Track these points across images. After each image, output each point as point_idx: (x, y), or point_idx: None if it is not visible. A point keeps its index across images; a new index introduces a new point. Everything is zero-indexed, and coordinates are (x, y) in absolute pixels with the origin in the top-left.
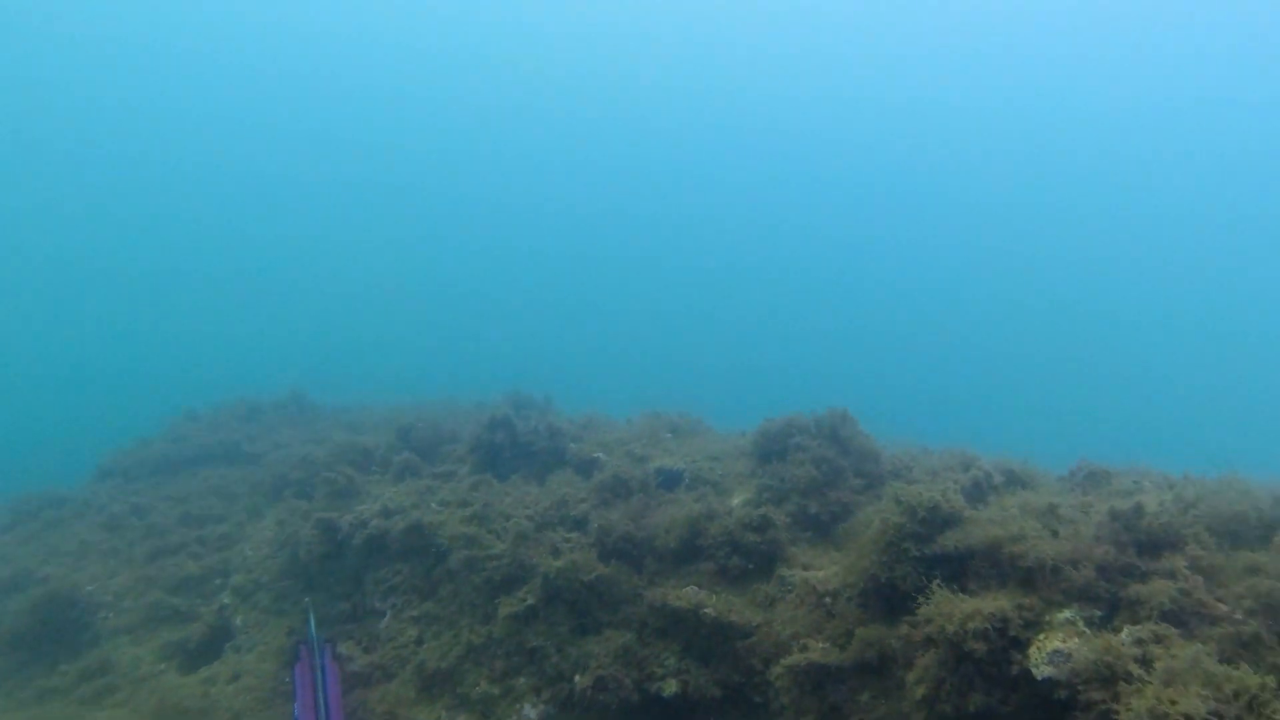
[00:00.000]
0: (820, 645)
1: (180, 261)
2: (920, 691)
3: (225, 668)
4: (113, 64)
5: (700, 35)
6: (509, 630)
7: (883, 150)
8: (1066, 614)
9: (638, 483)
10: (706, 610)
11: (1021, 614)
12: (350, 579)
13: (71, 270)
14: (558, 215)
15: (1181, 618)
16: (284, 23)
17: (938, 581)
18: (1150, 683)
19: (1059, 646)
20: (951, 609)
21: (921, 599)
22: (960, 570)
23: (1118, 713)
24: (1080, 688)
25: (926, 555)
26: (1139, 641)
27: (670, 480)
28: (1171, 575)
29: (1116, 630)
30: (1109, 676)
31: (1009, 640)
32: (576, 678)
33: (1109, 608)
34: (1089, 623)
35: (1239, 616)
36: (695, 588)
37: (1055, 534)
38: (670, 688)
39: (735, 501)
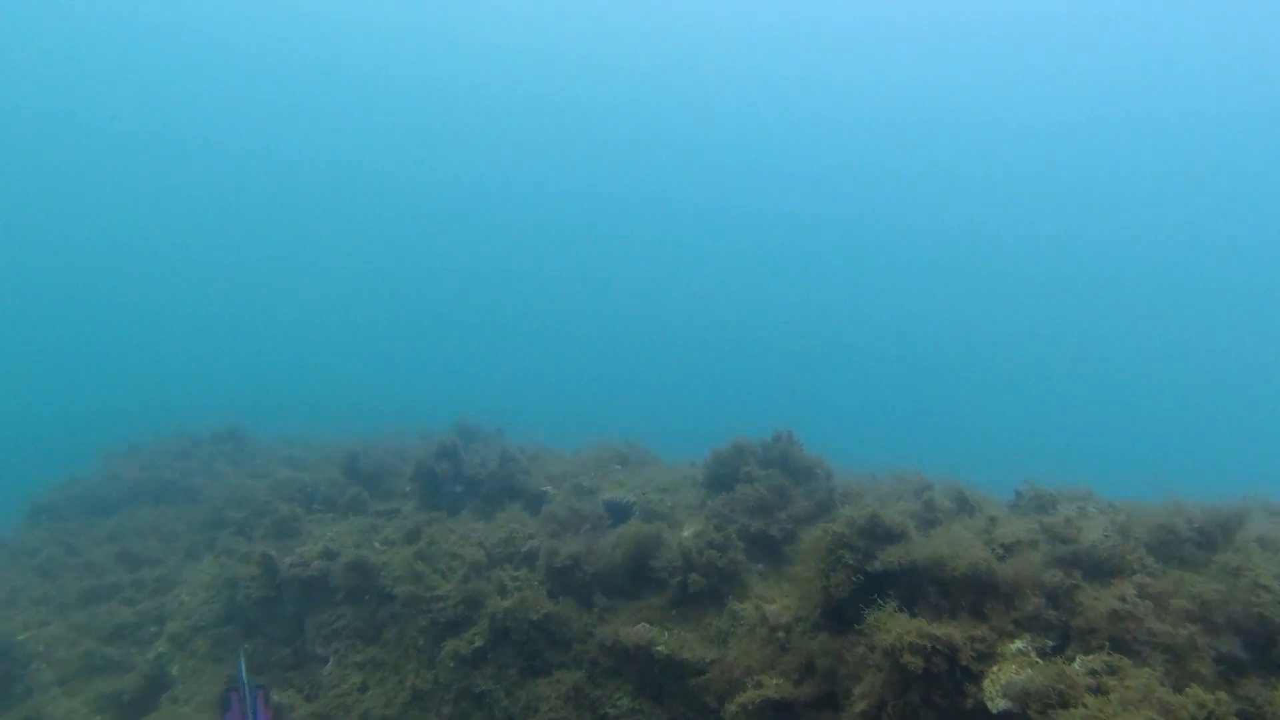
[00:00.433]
0: (775, 680)
1: (110, 288)
2: (860, 706)
3: None
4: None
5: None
6: (456, 675)
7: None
8: (1019, 644)
9: (586, 517)
10: (658, 648)
11: (974, 645)
12: (291, 623)
13: None
14: (505, 235)
15: (1133, 646)
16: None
17: (883, 599)
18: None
19: (1012, 678)
20: (892, 624)
21: (867, 613)
22: (910, 596)
23: None
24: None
25: (870, 572)
26: (1092, 672)
27: (620, 513)
28: (1122, 600)
29: (1069, 660)
30: (1064, 706)
31: (961, 670)
32: None
33: (1060, 637)
34: (1041, 653)
35: (1180, 633)
36: (646, 625)
37: (1002, 559)
38: None
39: (686, 533)
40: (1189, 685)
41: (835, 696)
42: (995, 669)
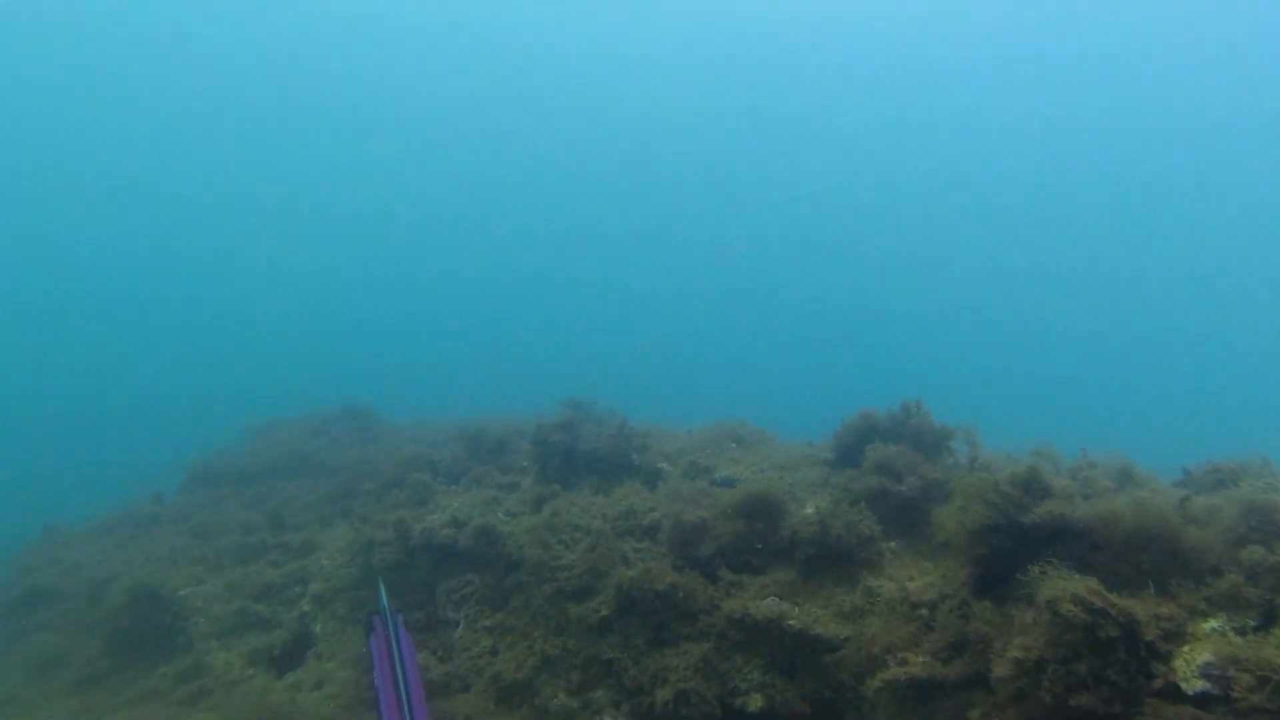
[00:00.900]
0: (921, 658)
1: (250, 289)
2: (1014, 654)
3: (309, 674)
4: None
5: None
6: (583, 642)
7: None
8: (1213, 623)
9: (706, 492)
10: (790, 622)
11: (1159, 623)
12: (423, 588)
13: (154, 297)
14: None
15: None
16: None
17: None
18: None
19: (1210, 659)
20: (1056, 580)
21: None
22: (1077, 570)
23: None
24: (1239, 702)
25: (1027, 527)
26: None
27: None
28: None
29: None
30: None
31: (1146, 647)
32: (657, 691)
33: (1263, 616)
34: (1240, 632)
35: None
36: (775, 599)
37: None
38: (755, 703)
39: (809, 510)
40: None
41: (986, 677)
42: (1187, 649)
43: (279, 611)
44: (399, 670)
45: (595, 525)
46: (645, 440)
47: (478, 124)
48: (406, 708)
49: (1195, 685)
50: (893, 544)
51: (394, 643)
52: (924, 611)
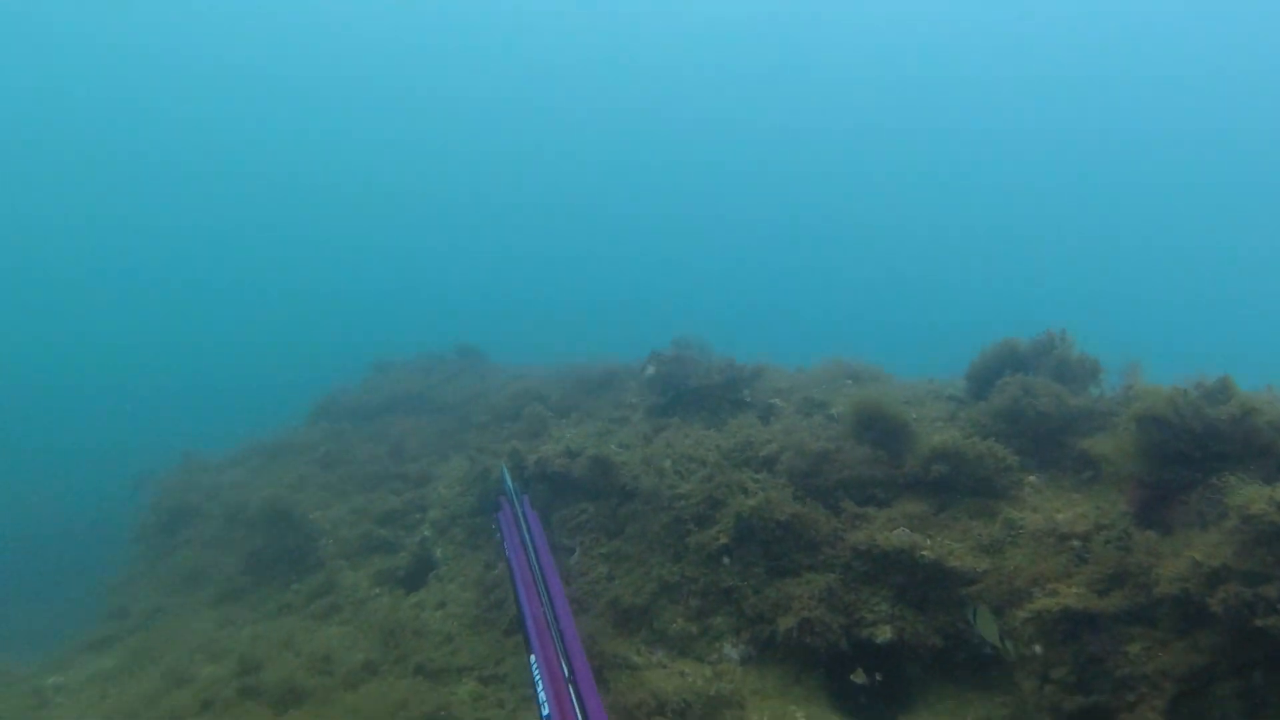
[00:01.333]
0: (1074, 589)
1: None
2: (1197, 553)
3: (431, 595)
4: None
5: None
6: (702, 569)
7: None
8: None
9: (825, 425)
10: (923, 553)
11: None
12: (539, 516)
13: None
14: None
15: None
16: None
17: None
18: None
19: None
20: (1245, 490)
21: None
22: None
23: None
24: None
25: (1215, 444)
26: None
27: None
28: None
29: None
30: None
31: None
32: (779, 619)
33: None
34: None
35: None
36: (906, 529)
37: None
38: (883, 634)
39: (939, 439)
40: None
41: (1148, 610)
42: None
43: (401, 536)
44: (529, 540)
45: (711, 456)
46: (756, 377)
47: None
48: (539, 577)
49: None
50: (1032, 477)
51: (521, 518)
52: (1075, 543)
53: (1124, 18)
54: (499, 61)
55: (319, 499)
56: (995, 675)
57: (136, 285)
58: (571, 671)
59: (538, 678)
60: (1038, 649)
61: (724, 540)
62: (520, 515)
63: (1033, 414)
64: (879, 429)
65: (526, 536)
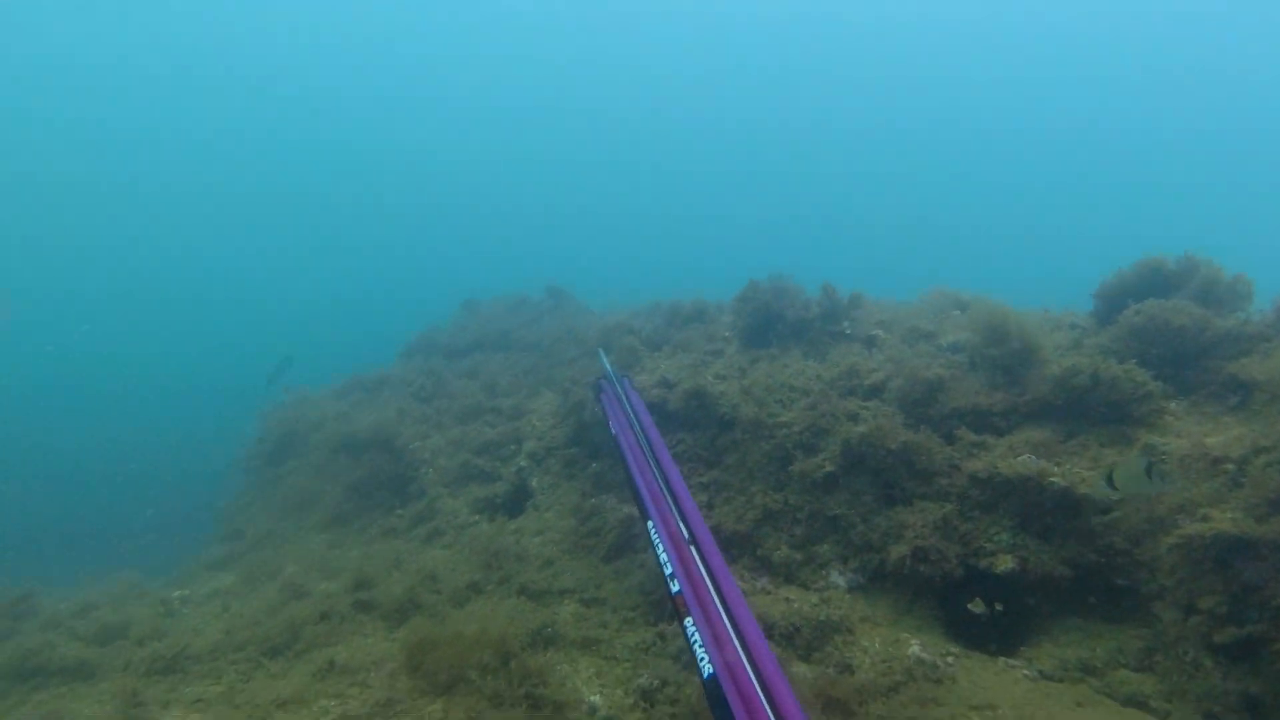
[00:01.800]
0: (1229, 515)
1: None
2: None
3: (529, 523)
4: None
5: None
6: (806, 498)
7: None
8: None
9: (934, 354)
10: (1052, 479)
11: None
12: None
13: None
14: None
15: None
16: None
17: None
18: None
19: None
20: None
21: None
22: None
23: None
24: None
25: None
26: None
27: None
28: None
29: None
30: None
31: None
32: (890, 548)
33: None
34: None
35: None
36: (1031, 456)
37: None
38: (1004, 564)
39: (1071, 362)
40: None
41: None
42: None
43: (498, 466)
44: (633, 416)
45: (814, 385)
46: (855, 307)
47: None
48: (647, 448)
49: None
50: (1171, 403)
51: (624, 397)
52: (1229, 467)
53: None
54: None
55: (418, 431)
56: (1128, 606)
57: (255, 248)
58: (691, 533)
59: (657, 540)
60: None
61: (830, 468)
62: (623, 394)
63: (1169, 336)
64: (1007, 348)
65: (631, 413)
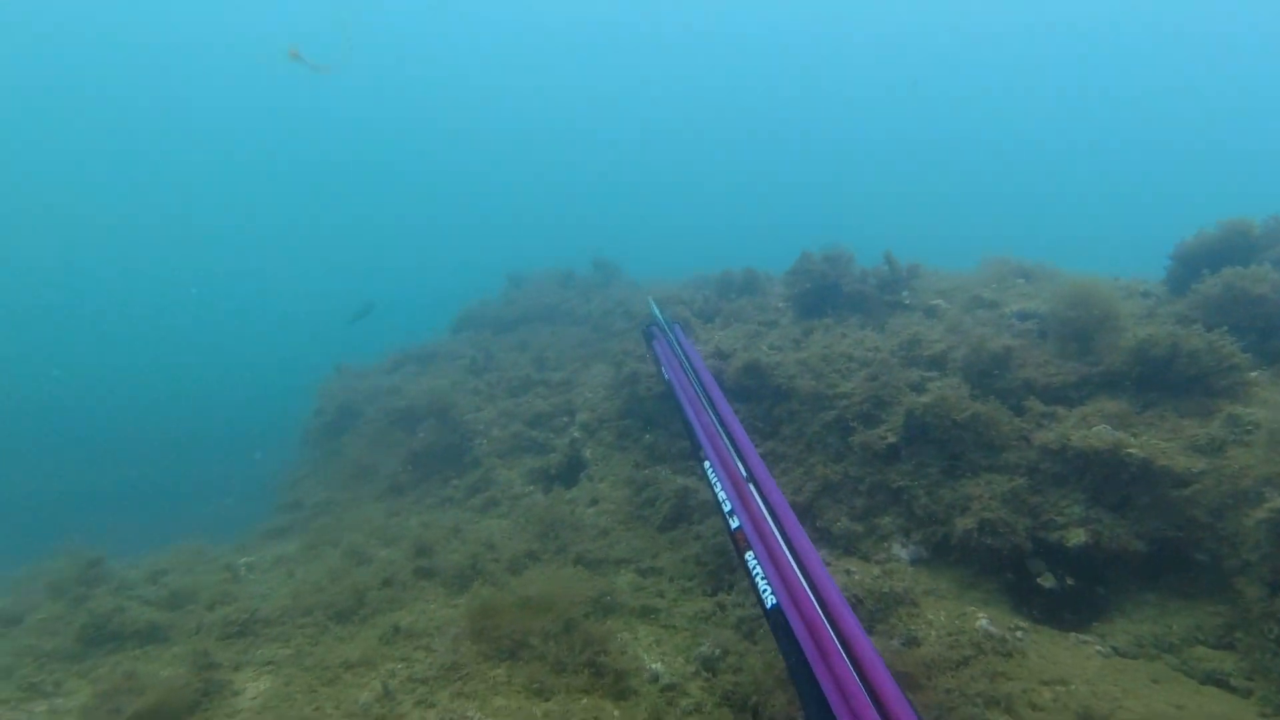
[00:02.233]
0: None
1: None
2: None
3: (583, 493)
4: None
5: None
6: (868, 469)
7: None
8: None
9: (997, 322)
10: (1130, 450)
11: None
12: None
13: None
14: None
15: None
16: None
17: None
18: None
19: None
20: None
21: None
22: None
23: None
24: None
25: None
26: None
27: (1034, 324)
28: None
29: None
30: None
31: None
32: (956, 520)
33: None
34: None
35: None
36: (1107, 427)
37: None
38: (1075, 537)
39: (1147, 332)
40: None
41: None
42: None
43: (550, 437)
44: (686, 361)
45: (875, 355)
46: (914, 276)
47: None
48: (701, 392)
49: None
50: (1254, 374)
51: (676, 344)
52: None
53: None
54: None
55: (471, 402)
56: (1207, 582)
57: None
58: (749, 470)
59: (714, 479)
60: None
61: (892, 439)
62: (675, 341)
63: (1248, 305)
64: (1087, 315)
65: (684, 357)
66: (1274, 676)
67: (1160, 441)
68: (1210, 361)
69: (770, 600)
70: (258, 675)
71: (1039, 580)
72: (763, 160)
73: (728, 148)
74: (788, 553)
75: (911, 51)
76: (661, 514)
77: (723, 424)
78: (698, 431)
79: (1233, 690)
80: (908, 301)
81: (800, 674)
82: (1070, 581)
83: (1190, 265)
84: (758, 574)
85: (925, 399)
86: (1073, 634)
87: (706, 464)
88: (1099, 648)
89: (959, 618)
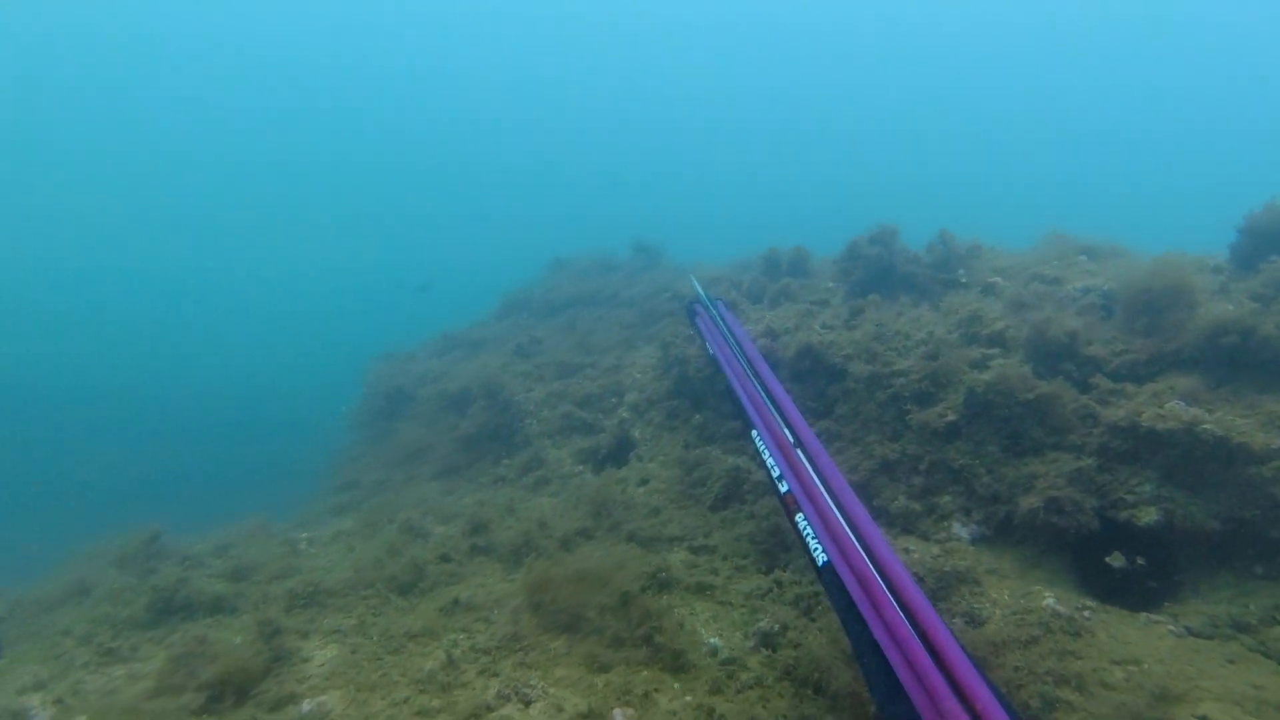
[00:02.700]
0: None
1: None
2: None
3: (633, 473)
4: None
5: None
6: (926, 447)
7: None
8: None
9: (1063, 299)
10: (1206, 426)
11: None
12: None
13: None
14: None
15: None
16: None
17: None
18: None
19: None
20: None
21: None
22: None
23: None
24: None
25: None
26: None
27: (1102, 302)
28: None
29: None
30: None
31: None
32: (1020, 499)
33: None
34: None
35: None
36: (1180, 402)
37: None
38: (1146, 516)
39: (1227, 307)
40: None
41: None
42: None
43: (599, 418)
44: (730, 336)
45: (932, 333)
46: (972, 256)
47: None
48: (746, 364)
49: None
50: None
51: (719, 319)
52: None
53: None
54: None
55: (520, 384)
56: None
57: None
58: (797, 436)
59: (763, 446)
60: None
61: (952, 418)
62: (718, 317)
63: None
64: (1161, 291)
65: (727, 331)
66: None
67: (1236, 418)
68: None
69: (821, 558)
70: (324, 643)
71: (1108, 560)
72: (806, 149)
73: (772, 138)
74: (837, 512)
75: (969, 39)
76: (713, 493)
77: (768, 393)
78: (744, 401)
79: None
80: (964, 280)
81: (853, 626)
82: (1140, 561)
83: (1259, 238)
84: (808, 534)
85: (987, 376)
86: (1143, 614)
87: (754, 432)
88: (1171, 628)
89: (1024, 596)
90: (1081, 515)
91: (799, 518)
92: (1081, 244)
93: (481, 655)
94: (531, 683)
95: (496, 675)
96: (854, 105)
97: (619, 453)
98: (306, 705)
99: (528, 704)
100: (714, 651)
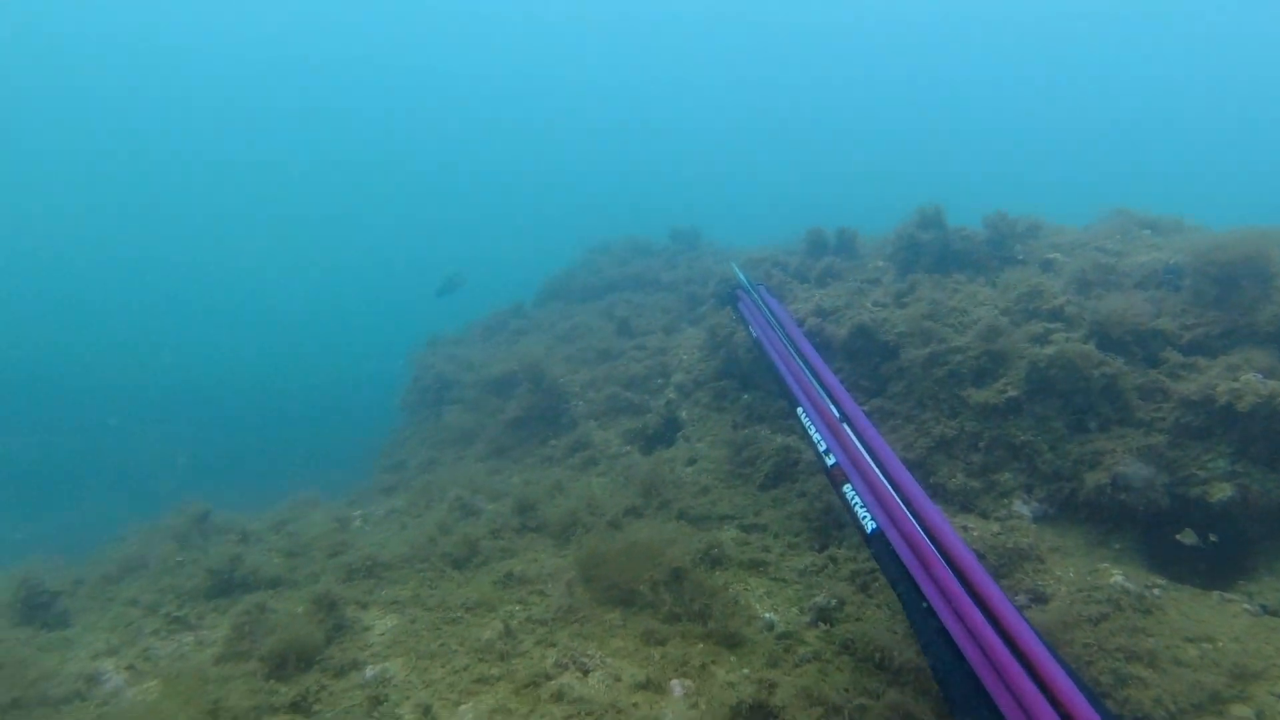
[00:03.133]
0: None
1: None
2: None
3: (680, 453)
4: None
5: None
6: (986, 424)
7: None
8: None
9: (1128, 273)
10: None
11: None
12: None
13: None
14: None
15: None
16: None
17: None
18: None
19: None
20: None
21: None
22: None
23: None
24: None
25: None
26: None
27: (1170, 276)
28: None
29: None
30: None
31: None
32: (1086, 475)
33: None
34: None
35: None
36: (1257, 375)
37: None
38: (1220, 492)
39: None
40: None
41: None
42: None
43: (646, 399)
44: (773, 318)
45: (990, 308)
46: (1031, 234)
47: None
48: (789, 344)
49: None
50: None
51: (761, 303)
52: None
53: None
54: None
55: (564, 368)
56: None
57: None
58: (842, 411)
59: (809, 422)
60: None
61: (1013, 393)
62: (760, 301)
63: None
64: (1233, 267)
65: (769, 314)
66: None
67: None
68: None
69: (870, 525)
70: (384, 614)
71: (1178, 537)
72: (837, 141)
73: (804, 130)
74: (885, 480)
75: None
76: (763, 472)
77: (812, 370)
78: (787, 378)
79: None
80: (1021, 257)
81: (907, 593)
82: (1213, 538)
83: None
84: (856, 503)
85: (1049, 351)
86: (1216, 592)
87: (799, 409)
88: (1246, 606)
89: (1090, 574)
90: (1151, 492)
91: (846, 488)
92: (1144, 218)
93: (538, 626)
94: (589, 653)
95: (554, 645)
96: (881, 98)
97: (666, 433)
98: (370, 671)
99: (586, 673)
100: (770, 626)
